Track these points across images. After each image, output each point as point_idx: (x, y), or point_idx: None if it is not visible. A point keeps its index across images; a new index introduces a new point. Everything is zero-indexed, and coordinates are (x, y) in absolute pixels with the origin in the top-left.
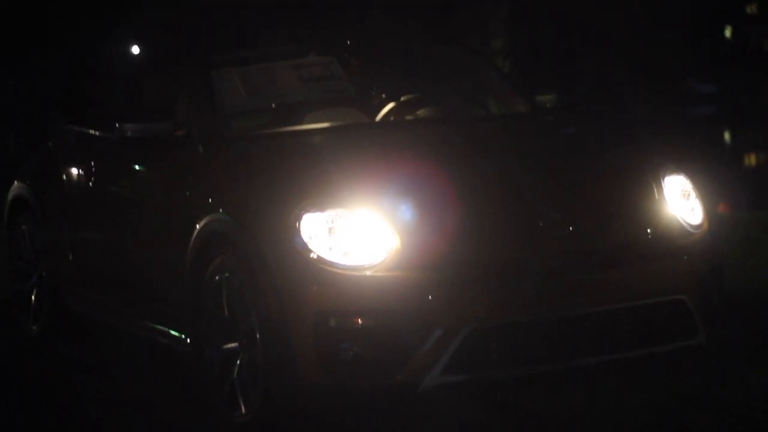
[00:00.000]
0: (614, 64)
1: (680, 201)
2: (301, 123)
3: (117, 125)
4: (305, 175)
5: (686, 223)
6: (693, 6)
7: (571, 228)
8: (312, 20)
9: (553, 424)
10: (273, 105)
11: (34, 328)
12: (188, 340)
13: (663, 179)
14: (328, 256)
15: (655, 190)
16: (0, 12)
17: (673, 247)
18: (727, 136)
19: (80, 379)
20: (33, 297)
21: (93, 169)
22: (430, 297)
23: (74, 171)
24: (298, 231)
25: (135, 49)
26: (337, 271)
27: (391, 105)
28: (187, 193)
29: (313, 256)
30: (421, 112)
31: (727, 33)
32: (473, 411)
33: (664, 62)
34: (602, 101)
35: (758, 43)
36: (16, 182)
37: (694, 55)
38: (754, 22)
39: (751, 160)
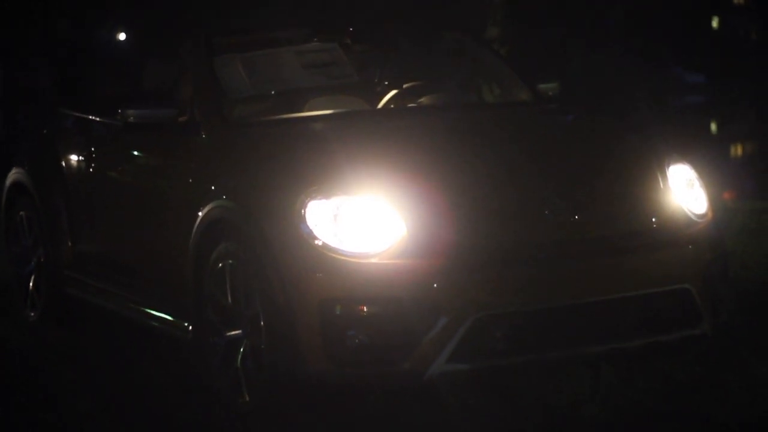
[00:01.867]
0: (607, 54)
1: (685, 190)
2: (303, 109)
3: (119, 110)
4: (310, 162)
5: (691, 212)
6: None
7: (576, 216)
8: (312, 5)
9: (557, 411)
10: (273, 92)
11: (32, 314)
12: (190, 328)
13: (668, 168)
14: (334, 243)
15: (660, 179)
16: None
17: (677, 236)
18: (713, 126)
19: (75, 366)
20: (31, 283)
21: (93, 155)
22: (435, 285)
23: (74, 156)
24: (303, 218)
25: (127, 34)
26: (343, 258)
27: (393, 92)
28: (190, 180)
29: (318, 243)
30: (423, 100)
31: (715, 23)
32: (477, 397)
33: (651, 52)
34: (602, 90)
35: (745, 34)
36: (14, 168)
37: (681, 45)
38: (741, 13)
39: (737, 150)
